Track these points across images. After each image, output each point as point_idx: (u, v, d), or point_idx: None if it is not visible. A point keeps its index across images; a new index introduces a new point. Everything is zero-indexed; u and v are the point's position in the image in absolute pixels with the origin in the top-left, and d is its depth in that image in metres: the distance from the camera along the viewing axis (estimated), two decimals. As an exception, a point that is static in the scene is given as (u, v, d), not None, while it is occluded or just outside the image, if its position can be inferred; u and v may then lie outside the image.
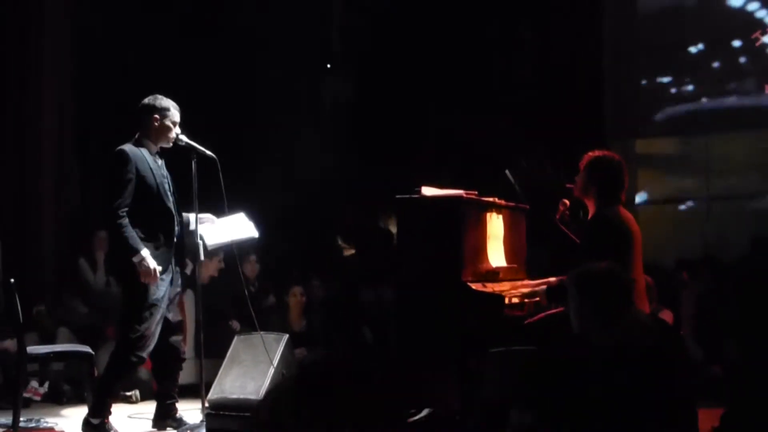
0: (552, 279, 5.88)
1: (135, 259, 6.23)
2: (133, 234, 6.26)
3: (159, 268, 6.27)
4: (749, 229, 9.52)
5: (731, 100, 10.79)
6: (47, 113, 10.30)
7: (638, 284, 5.60)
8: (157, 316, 6.35)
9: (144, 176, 6.35)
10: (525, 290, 6.04)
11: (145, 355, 6.38)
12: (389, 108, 10.88)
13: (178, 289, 6.68)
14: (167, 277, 6.45)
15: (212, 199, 6.76)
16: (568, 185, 5.90)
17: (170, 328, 6.57)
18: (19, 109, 10.19)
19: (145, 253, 6.25)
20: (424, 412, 5.48)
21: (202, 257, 6.56)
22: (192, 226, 6.65)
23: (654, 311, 6.89)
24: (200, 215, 6.66)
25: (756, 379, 5.78)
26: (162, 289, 6.37)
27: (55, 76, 10.39)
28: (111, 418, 6.42)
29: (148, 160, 6.41)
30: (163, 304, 6.41)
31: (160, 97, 6.55)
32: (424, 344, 5.97)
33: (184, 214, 6.65)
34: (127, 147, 6.40)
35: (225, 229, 6.81)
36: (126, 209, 6.27)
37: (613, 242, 5.49)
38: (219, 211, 6.81)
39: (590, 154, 5.83)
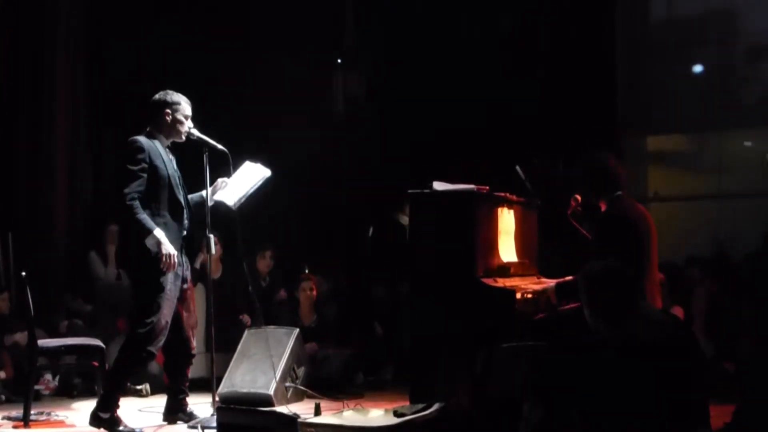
0: (569, 278, 5.82)
1: (149, 241, 6.18)
2: (145, 216, 6.22)
3: (175, 253, 6.26)
4: (762, 226, 9.47)
5: (744, 97, 10.75)
6: (61, 107, 10.31)
7: (652, 280, 5.59)
8: (167, 310, 6.32)
9: (157, 166, 6.35)
10: (537, 287, 6.01)
11: (154, 349, 6.35)
12: (401, 104, 10.86)
13: (188, 284, 6.65)
14: (177, 271, 6.44)
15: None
16: (576, 195, 5.97)
17: (181, 322, 6.57)
18: (33, 102, 10.20)
19: (160, 233, 6.20)
20: (435, 407, 5.46)
21: (213, 251, 6.54)
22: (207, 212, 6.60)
23: (665, 308, 6.87)
24: (215, 183, 6.68)
25: (768, 375, 5.78)
26: (172, 282, 6.36)
27: (69, 69, 10.39)
28: (121, 412, 6.42)
29: (161, 152, 6.42)
30: (174, 298, 6.39)
31: (170, 92, 6.57)
32: (436, 338, 5.97)
33: (191, 196, 6.63)
34: (141, 137, 6.42)
35: (240, 182, 6.76)
36: (138, 195, 6.24)
37: (625, 239, 5.49)
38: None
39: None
